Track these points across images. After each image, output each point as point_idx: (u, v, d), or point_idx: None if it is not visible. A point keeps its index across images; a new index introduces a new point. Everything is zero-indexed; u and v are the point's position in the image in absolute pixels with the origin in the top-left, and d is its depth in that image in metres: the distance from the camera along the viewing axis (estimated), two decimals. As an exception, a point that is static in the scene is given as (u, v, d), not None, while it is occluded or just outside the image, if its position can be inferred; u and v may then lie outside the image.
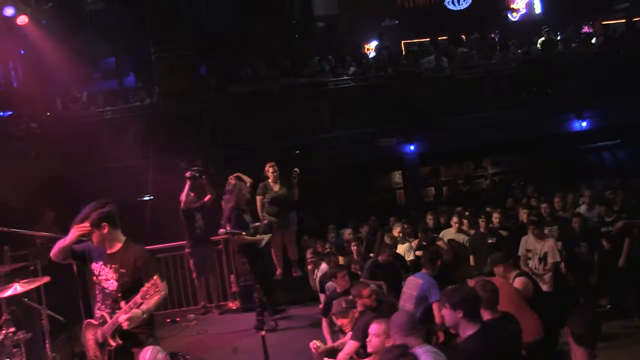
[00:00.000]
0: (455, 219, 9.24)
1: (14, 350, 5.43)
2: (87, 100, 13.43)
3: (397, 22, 18.78)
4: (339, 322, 5.72)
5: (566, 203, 9.54)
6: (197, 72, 13.61)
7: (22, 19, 9.92)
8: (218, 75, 13.23)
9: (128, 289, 4.25)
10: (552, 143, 13.64)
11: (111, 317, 4.18)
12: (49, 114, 12.71)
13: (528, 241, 7.87)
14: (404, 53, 17.05)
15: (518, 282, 6.07)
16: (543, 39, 14.34)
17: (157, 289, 3.90)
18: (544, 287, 7.26)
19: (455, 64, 13.92)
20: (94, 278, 4.47)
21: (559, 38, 15.10)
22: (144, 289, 3.93)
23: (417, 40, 17.74)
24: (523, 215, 9.17)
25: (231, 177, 9.47)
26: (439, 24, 17.51)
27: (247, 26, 15.65)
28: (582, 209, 9.33)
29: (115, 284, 4.33)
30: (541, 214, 8.92)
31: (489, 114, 12.93)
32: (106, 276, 4.40)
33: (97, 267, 4.46)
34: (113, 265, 4.37)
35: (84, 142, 11.65)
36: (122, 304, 4.16)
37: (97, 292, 4.47)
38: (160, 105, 12.51)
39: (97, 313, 4.41)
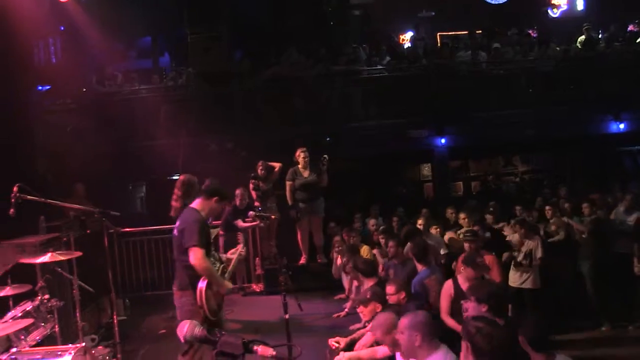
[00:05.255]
0: (462, 216, 9.21)
1: (48, 316, 5.58)
2: (122, 79, 13.60)
3: (433, 13, 18.57)
4: (359, 309, 5.78)
5: (603, 204, 9.39)
6: (231, 56, 13.68)
7: (64, -4, 10.08)
8: (252, 59, 13.27)
9: None
10: (587, 144, 13.42)
11: None
12: (84, 90, 12.92)
13: (513, 239, 8.14)
14: (439, 45, 16.90)
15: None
16: (584, 37, 14.07)
17: None
18: (531, 283, 7.65)
19: (491, 58, 13.75)
20: None
21: (600, 36, 14.77)
22: None
23: (453, 33, 17.54)
24: (548, 212, 9.26)
25: (260, 162, 9.59)
26: (476, 18, 17.28)
27: (282, 12, 15.65)
28: (619, 211, 9.18)
29: None
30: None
31: (522, 111, 12.78)
32: None
33: None
34: None
35: (117, 119, 11.79)
36: None
37: None
38: (194, 86, 12.61)
39: None
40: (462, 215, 9.20)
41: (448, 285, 6.06)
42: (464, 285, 5.80)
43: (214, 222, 7.42)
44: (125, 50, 15.83)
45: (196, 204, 5.20)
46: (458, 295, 5.82)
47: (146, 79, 13.83)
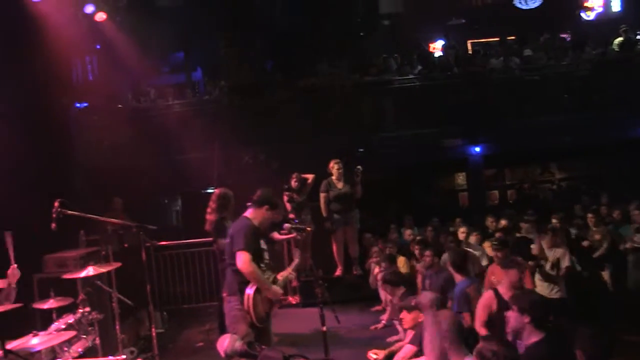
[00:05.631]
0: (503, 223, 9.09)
1: (89, 328, 5.67)
2: (155, 94, 13.82)
3: (463, 21, 18.46)
4: (402, 315, 5.70)
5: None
6: (263, 68, 13.79)
7: (101, 16, 10.29)
8: (284, 71, 13.36)
9: None
10: (628, 149, 13.10)
11: None
12: (120, 106, 13.17)
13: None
14: (470, 52, 16.76)
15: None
16: (621, 39, 13.77)
17: None
18: (558, 293, 7.37)
19: (524, 64, 13.57)
20: None
21: (638, 38, 14.43)
22: None
23: (484, 40, 17.39)
24: (590, 220, 9.08)
25: (294, 174, 9.60)
26: (507, 24, 17.11)
27: (312, 23, 15.74)
28: None
29: None
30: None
31: (558, 117, 12.59)
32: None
33: None
34: None
35: (152, 134, 11.99)
36: None
37: None
38: (226, 100, 12.74)
39: None
40: (502, 223, 9.06)
41: (489, 296, 5.94)
42: (506, 295, 5.68)
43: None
44: (159, 66, 16.09)
45: (248, 213, 5.30)
46: (501, 307, 5.69)
47: (179, 94, 14.04)
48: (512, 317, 4.50)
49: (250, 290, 4.98)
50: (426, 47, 17.66)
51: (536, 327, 4.36)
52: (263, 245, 5.30)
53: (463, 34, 18.15)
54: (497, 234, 8.16)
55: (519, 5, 16.96)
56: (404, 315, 5.54)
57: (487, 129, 12.60)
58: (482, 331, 5.70)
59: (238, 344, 2.91)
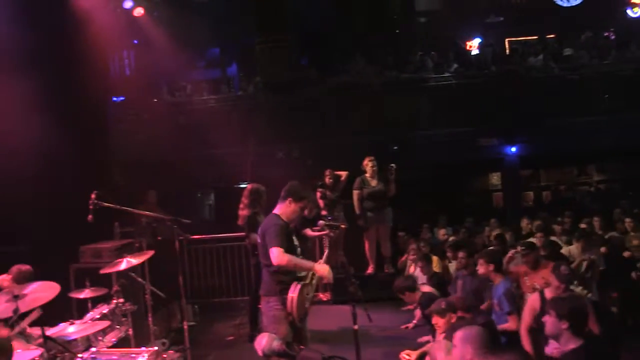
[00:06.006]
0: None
1: (123, 319, 5.75)
2: (191, 89, 13.95)
3: (502, 18, 18.15)
4: (434, 320, 5.62)
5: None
6: (298, 64, 13.79)
7: (139, 11, 10.45)
8: (318, 67, 13.34)
9: None
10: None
11: None
12: (155, 100, 13.32)
13: (570, 251, 7.87)
14: (508, 51, 16.48)
15: None
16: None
17: None
18: (591, 294, 7.04)
19: (563, 64, 13.28)
20: None
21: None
22: None
23: (523, 38, 17.08)
24: (628, 224, 8.95)
25: (327, 170, 9.58)
26: (547, 22, 16.76)
27: (348, 20, 15.69)
28: None
29: None
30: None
31: (598, 118, 12.30)
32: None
33: None
34: None
35: (186, 128, 12.10)
36: None
37: None
38: (261, 95, 12.78)
39: None
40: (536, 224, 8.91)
41: (534, 298, 5.79)
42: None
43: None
44: (194, 61, 16.23)
45: (277, 208, 5.22)
46: (543, 311, 5.56)
47: (215, 89, 14.13)
48: (549, 322, 4.39)
49: (294, 292, 4.93)
50: (463, 45, 17.43)
51: (574, 334, 4.24)
52: (295, 241, 5.26)
53: (501, 32, 17.85)
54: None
55: (559, 3, 16.58)
56: (437, 320, 5.45)
57: (524, 128, 12.38)
58: (525, 337, 5.57)
59: (276, 344, 2.89)
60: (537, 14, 17.26)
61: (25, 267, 5.55)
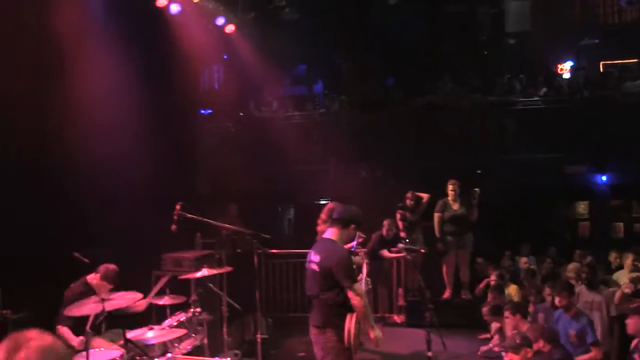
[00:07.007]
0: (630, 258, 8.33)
1: (199, 327, 5.91)
2: (277, 105, 14.23)
3: (597, 40, 17.39)
4: (508, 356, 5.42)
5: None
6: (384, 84, 13.78)
7: (230, 28, 10.80)
8: (404, 88, 13.28)
9: None
10: None
11: None
12: (242, 114, 13.68)
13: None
14: (602, 74, 15.76)
15: None
16: None
17: None
18: None
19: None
20: None
21: None
22: None
23: (619, 62, 16.29)
24: None
25: (409, 192, 9.50)
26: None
27: (435, 40, 15.54)
28: None
29: None
30: None
31: (698, 148, 11.48)
32: None
33: None
34: None
35: (271, 143, 12.32)
36: None
37: None
38: (346, 114, 12.85)
39: None
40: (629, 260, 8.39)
41: None
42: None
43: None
44: (281, 78, 16.55)
45: (332, 234, 4.90)
46: None
47: (300, 105, 14.35)
48: (631, 324, 4.24)
49: (350, 324, 4.73)
50: (553, 68, 16.85)
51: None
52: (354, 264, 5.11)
53: (595, 55, 17.08)
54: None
55: (660, 24, 15.74)
56: (511, 357, 5.22)
57: (616, 157, 11.77)
58: None
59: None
60: (637, 35, 16.43)
61: (112, 267, 5.82)
